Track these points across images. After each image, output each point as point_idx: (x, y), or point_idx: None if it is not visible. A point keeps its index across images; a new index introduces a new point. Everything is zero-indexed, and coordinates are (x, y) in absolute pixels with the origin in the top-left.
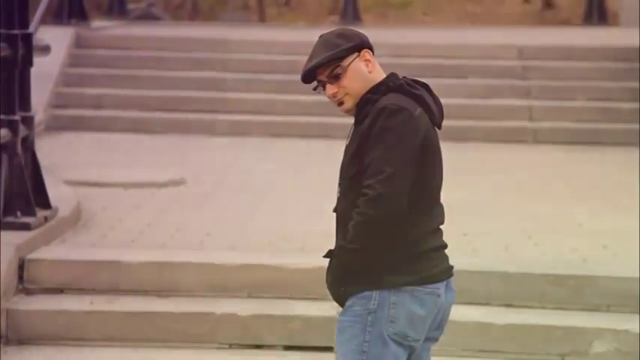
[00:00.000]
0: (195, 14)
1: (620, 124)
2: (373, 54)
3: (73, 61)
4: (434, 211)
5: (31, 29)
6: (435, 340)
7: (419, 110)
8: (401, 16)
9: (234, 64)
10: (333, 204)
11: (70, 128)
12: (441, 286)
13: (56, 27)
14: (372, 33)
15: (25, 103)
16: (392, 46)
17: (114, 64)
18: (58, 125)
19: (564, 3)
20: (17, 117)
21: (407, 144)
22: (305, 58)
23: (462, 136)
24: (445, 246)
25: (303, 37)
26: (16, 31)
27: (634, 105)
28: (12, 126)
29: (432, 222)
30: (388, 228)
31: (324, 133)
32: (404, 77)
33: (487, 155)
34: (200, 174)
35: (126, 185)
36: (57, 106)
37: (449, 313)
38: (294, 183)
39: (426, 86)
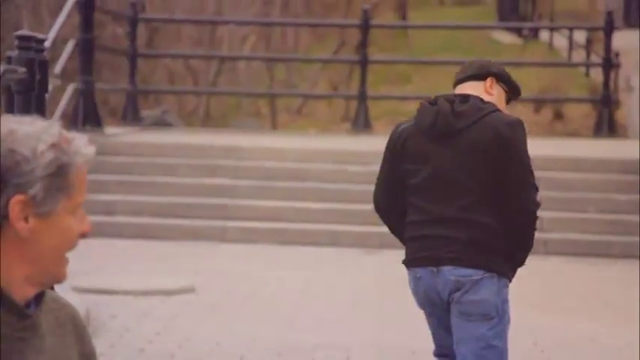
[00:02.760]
0: (208, 120)
1: (630, 237)
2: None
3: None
4: (423, 207)
5: None
6: (461, 316)
7: (403, 126)
8: None
9: (246, 171)
10: (347, 316)
11: None
12: (420, 271)
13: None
14: (382, 141)
15: None
16: None
17: (127, 171)
18: None
19: (574, 114)
20: None
21: (383, 155)
22: (317, 166)
23: None
24: (437, 236)
25: (315, 145)
26: None
27: None
28: None
29: (419, 215)
30: (381, 219)
31: (333, 241)
32: (441, 95)
33: None
34: (210, 281)
35: (135, 293)
36: None
37: (458, 295)
38: (304, 292)
39: (452, 96)
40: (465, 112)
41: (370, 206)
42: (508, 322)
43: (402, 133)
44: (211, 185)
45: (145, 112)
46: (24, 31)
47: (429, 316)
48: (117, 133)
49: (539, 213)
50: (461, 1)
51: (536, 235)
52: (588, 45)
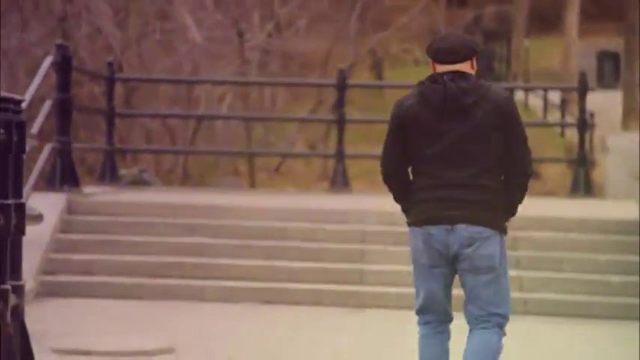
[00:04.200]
0: (186, 179)
1: (610, 298)
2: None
3: (65, 227)
4: (432, 173)
5: (24, 199)
6: (472, 271)
7: (408, 102)
8: None
9: (225, 230)
10: None
11: (60, 294)
12: (433, 228)
13: (48, 193)
14: (360, 200)
15: (16, 271)
16: (382, 214)
17: (104, 230)
18: (47, 291)
19: (550, 174)
20: (8, 286)
21: (389, 126)
22: (296, 225)
23: None
24: (452, 199)
25: (293, 204)
26: (9, 201)
27: (624, 278)
28: (2, 295)
29: (432, 180)
30: (386, 184)
31: (315, 300)
32: (442, 73)
33: None
34: (190, 342)
35: (115, 354)
36: (47, 273)
37: (470, 251)
38: (285, 352)
39: (451, 75)
40: (469, 90)
41: (351, 265)
42: (506, 271)
43: (410, 109)
44: (190, 244)
45: (123, 172)
46: (2, 93)
47: (431, 269)
48: (94, 193)
49: (520, 273)
50: None
51: (517, 295)
52: (563, 105)
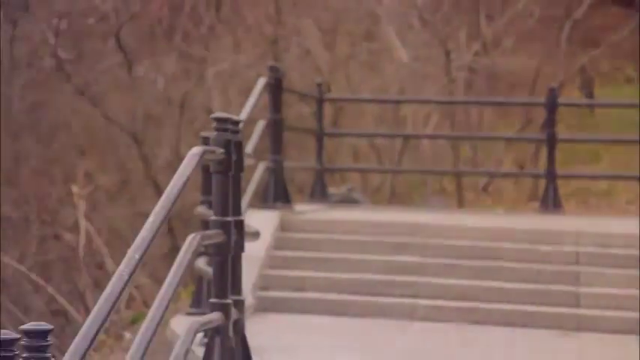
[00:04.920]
0: (393, 197)
1: None
2: None
3: (278, 243)
4: None
5: (242, 216)
6: None
7: None
8: (603, 205)
9: (434, 249)
10: None
11: (274, 310)
12: None
13: (262, 210)
14: (573, 221)
15: (236, 287)
16: (596, 235)
17: (316, 247)
18: (262, 307)
19: None
20: (229, 301)
21: None
22: (507, 245)
23: None
24: None
25: (503, 223)
26: (229, 218)
27: None
28: (224, 310)
29: None
30: None
31: (527, 321)
32: None
33: None
34: None
35: None
36: (262, 288)
37: None
38: None
39: None
40: None
41: (565, 287)
42: None
43: None
44: (399, 262)
45: (332, 190)
46: (221, 114)
47: None
48: (306, 210)
49: None
50: None
51: None
52: None
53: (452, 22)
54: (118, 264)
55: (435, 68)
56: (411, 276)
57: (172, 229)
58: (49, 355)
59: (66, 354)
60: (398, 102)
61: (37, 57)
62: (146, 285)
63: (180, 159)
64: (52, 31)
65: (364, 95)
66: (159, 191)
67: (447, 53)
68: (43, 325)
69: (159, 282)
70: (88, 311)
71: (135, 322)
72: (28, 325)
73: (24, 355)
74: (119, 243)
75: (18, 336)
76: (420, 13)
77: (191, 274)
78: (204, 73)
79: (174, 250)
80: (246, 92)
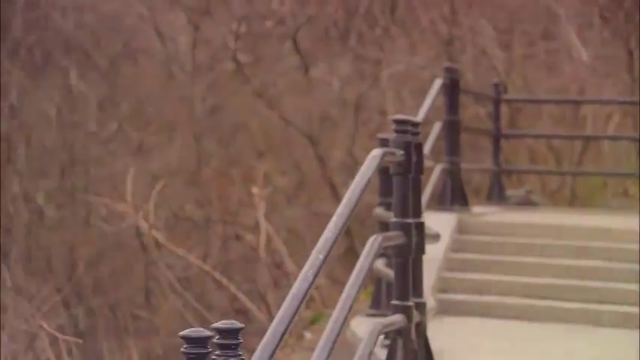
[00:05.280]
0: (574, 200)
1: None
2: None
3: (456, 246)
4: None
5: (423, 218)
6: None
7: None
8: None
9: (618, 253)
10: None
11: (453, 313)
12: None
13: (440, 212)
14: None
15: (417, 289)
16: None
17: (494, 250)
18: (442, 309)
19: None
20: (411, 303)
21: None
22: None
23: None
24: None
25: None
26: (409, 220)
27: None
28: (406, 312)
29: None
30: None
31: None
32: None
33: None
34: None
35: None
36: (441, 291)
37: None
38: None
39: None
40: None
41: None
42: None
43: None
44: (581, 267)
45: (510, 192)
46: (400, 115)
47: None
48: (483, 213)
49: None
50: None
51: None
52: None
53: (634, 19)
54: (297, 264)
55: (616, 67)
56: (594, 281)
57: (349, 230)
58: (240, 353)
59: (256, 352)
60: (577, 102)
61: (217, 60)
62: (324, 285)
63: (354, 160)
64: (232, 35)
65: (542, 95)
66: (335, 192)
67: (629, 52)
68: (235, 324)
69: (336, 282)
70: (269, 310)
71: (314, 322)
72: (221, 324)
73: (216, 352)
74: (297, 243)
75: (211, 334)
76: (600, 11)
77: (370, 275)
78: (379, 75)
79: (351, 250)
80: (420, 94)
